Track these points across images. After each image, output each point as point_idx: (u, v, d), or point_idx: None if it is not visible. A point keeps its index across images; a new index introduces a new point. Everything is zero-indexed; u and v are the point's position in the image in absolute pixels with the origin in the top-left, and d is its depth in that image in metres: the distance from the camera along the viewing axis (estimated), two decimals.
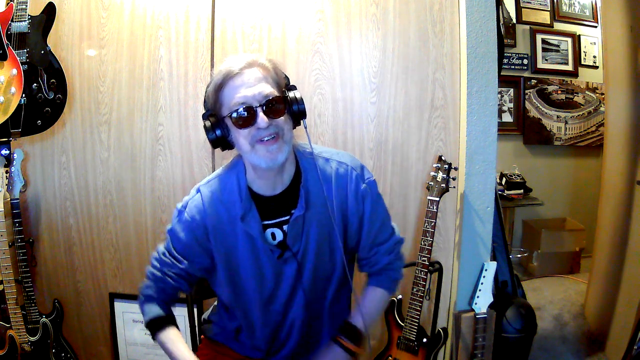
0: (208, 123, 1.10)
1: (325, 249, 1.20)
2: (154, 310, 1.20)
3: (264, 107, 1.05)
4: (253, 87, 1.05)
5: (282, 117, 1.08)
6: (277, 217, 1.17)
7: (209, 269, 1.24)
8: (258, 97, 1.05)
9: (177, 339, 1.17)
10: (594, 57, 3.78)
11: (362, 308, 1.23)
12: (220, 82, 1.07)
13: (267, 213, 1.17)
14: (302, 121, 1.14)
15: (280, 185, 1.15)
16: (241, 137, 1.08)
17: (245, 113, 1.05)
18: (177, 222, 1.20)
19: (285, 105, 1.09)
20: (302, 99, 1.12)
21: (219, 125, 1.10)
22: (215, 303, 1.41)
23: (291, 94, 1.12)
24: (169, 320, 1.20)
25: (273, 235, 1.18)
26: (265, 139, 1.06)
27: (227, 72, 1.06)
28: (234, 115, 1.05)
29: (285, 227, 1.16)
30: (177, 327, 1.21)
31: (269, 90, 1.06)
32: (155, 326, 1.19)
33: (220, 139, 1.11)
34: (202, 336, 1.39)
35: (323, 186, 1.15)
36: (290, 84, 1.15)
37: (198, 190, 1.21)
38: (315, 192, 1.16)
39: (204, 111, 1.14)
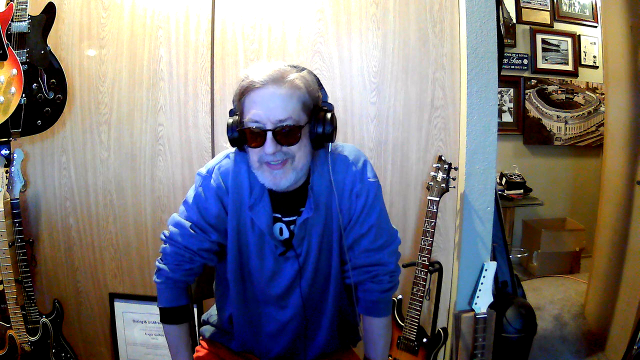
0: (230, 121, 1.07)
1: (325, 253, 1.17)
2: (175, 297, 1.16)
3: (274, 132, 0.99)
4: (269, 108, 0.99)
5: (295, 145, 1.02)
6: (287, 214, 1.13)
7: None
8: (272, 120, 0.99)
9: (184, 343, 1.19)
10: (594, 57, 3.78)
11: (374, 342, 1.21)
12: (243, 90, 1.02)
13: (278, 206, 1.13)
14: (328, 144, 1.08)
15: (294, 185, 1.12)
16: (252, 152, 1.05)
17: (255, 133, 1.00)
18: (204, 190, 1.13)
19: (301, 132, 1.02)
20: (330, 121, 1.06)
21: (239, 128, 1.06)
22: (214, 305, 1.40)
23: (320, 114, 1.06)
24: (185, 314, 1.18)
25: (281, 230, 1.15)
26: (272, 162, 1.02)
27: (250, 82, 1.01)
28: (246, 131, 1.02)
29: (292, 227, 1.14)
30: (191, 317, 1.21)
31: (287, 114, 0.99)
32: (171, 316, 1.16)
33: (237, 140, 1.07)
34: (200, 338, 1.38)
35: (332, 185, 1.10)
36: (327, 101, 1.10)
37: (227, 156, 1.15)
38: (319, 191, 1.12)
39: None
